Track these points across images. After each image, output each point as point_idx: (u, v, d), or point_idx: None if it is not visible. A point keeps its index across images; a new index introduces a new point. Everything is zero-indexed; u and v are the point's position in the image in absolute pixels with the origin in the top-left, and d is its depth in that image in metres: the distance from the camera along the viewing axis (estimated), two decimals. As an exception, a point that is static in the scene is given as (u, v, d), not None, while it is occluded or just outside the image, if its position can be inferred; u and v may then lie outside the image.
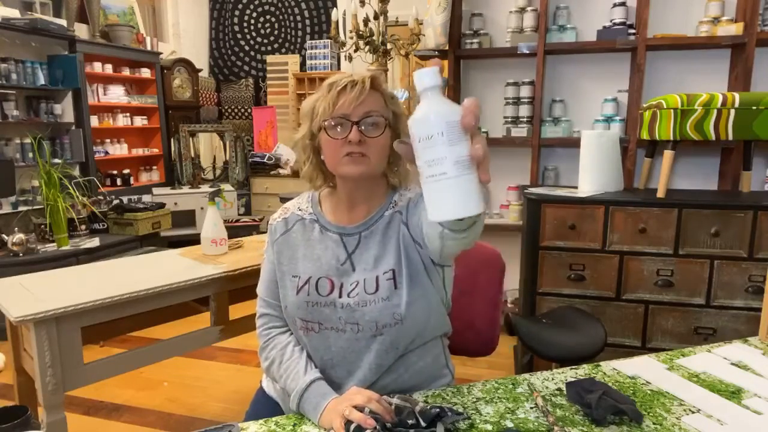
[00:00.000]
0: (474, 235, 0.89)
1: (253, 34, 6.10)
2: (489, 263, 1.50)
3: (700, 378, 1.13)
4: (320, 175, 1.13)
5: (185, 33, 5.78)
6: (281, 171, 5.42)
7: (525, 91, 3.01)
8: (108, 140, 4.56)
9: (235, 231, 3.96)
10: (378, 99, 1.06)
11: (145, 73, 4.83)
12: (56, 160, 3.74)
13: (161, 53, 5.02)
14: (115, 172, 4.60)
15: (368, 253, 1.09)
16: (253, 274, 1.74)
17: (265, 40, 6.08)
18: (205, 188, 4.75)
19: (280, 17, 5.99)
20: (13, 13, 3.72)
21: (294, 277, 1.12)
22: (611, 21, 2.85)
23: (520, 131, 3.02)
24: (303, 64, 5.89)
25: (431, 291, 1.09)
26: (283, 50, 6.02)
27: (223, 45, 6.20)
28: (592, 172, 2.42)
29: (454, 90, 3.12)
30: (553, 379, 1.13)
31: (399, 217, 1.09)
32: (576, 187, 2.50)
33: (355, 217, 1.12)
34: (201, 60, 5.92)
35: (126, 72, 4.69)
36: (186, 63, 5.20)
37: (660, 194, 2.28)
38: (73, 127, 4.09)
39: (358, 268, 1.08)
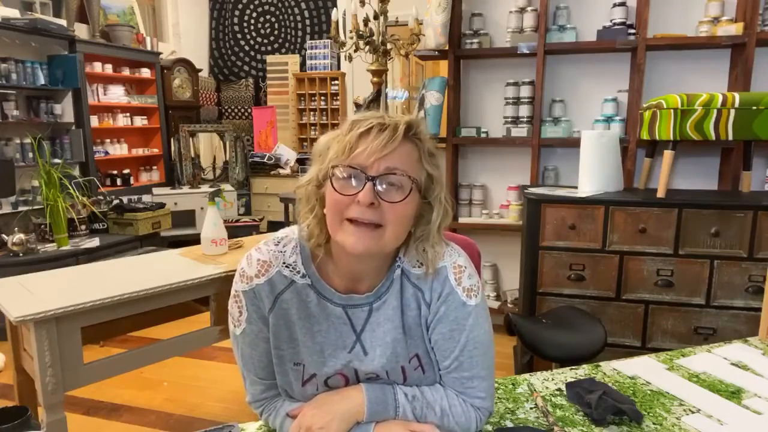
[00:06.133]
0: None
1: (253, 34, 6.10)
2: (466, 251, 1.51)
3: (700, 378, 1.13)
4: (324, 234, 0.86)
5: (185, 33, 5.78)
6: (281, 171, 5.42)
7: (525, 91, 3.01)
8: (108, 140, 4.56)
9: (235, 231, 3.96)
10: (410, 153, 0.82)
11: (145, 73, 4.82)
12: (56, 160, 3.73)
13: (161, 53, 5.01)
14: (115, 172, 4.60)
15: (381, 330, 0.89)
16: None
17: (265, 40, 6.08)
18: (205, 188, 4.75)
19: (280, 17, 5.99)
20: (13, 13, 3.72)
21: (296, 365, 0.90)
22: (611, 21, 2.85)
23: (520, 131, 3.02)
24: (303, 64, 5.90)
25: None
26: (283, 50, 6.03)
27: (223, 45, 6.20)
28: (592, 172, 2.42)
29: (454, 90, 3.12)
30: (553, 379, 1.13)
31: (413, 291, 0.89)
32: (576, 187, 2.50)
33: (360, 284, 0.89)
34: (201, 60, 5.92)
35: (126, 72, 4.69)
36: (186, 63, 5.20)
37: (660, 194, 2.28)
38: (73, 127, 4.09)
39: (371, 353, 0.89)
